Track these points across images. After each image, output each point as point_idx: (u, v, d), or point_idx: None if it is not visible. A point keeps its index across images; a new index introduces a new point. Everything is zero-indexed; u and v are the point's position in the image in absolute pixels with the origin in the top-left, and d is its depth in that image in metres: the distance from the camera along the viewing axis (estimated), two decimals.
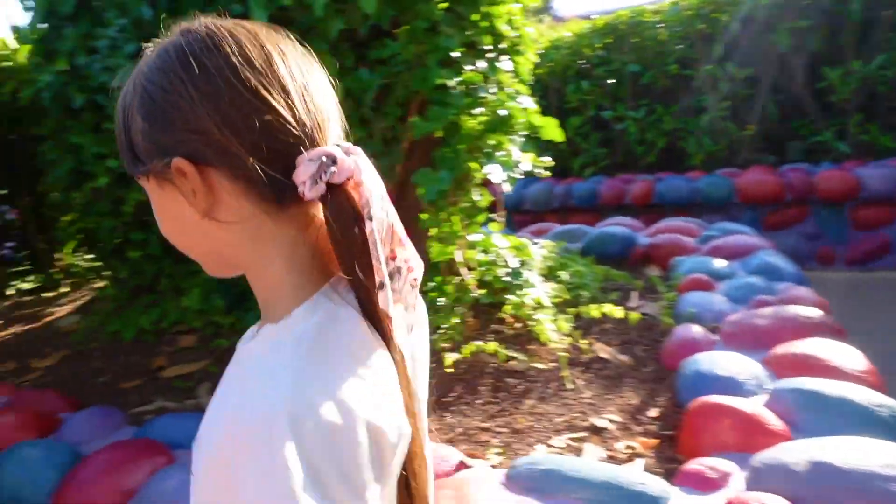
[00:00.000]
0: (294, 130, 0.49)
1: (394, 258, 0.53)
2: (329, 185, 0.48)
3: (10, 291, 4.43)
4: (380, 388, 0.49)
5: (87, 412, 2.26)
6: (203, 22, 0.54)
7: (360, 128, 2.33)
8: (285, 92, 0.50)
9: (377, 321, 0.50)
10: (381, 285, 0.49)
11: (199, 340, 2.77)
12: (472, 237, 2.53)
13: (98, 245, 3.33)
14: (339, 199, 0.49)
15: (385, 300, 0.49)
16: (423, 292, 2.61)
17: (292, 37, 0.56)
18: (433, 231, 2.40)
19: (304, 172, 0.48)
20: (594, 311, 2.63)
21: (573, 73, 6.78)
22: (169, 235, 0.55)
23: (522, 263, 2.71)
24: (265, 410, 0.42)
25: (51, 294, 4.40)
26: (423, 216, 2.38)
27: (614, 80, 6.53)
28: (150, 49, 0.55)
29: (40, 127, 3.71)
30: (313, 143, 0.50)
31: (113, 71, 2.73)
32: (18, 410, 2.25)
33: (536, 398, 2.21)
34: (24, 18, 3.03)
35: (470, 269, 2.56)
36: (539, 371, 2.33)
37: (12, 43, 3.86)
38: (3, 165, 4.56)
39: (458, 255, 2.46)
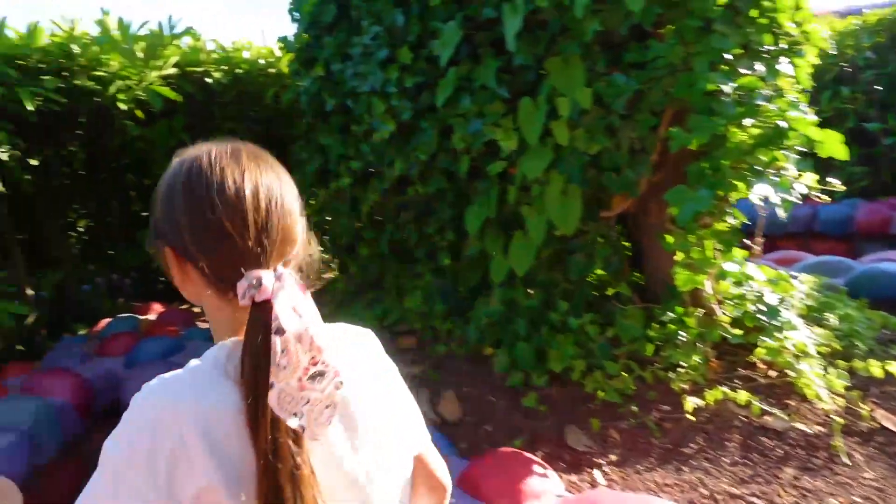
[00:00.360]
0: (244, 255, 0.67)
1: (315, 363, 0.64)
2: (253, 301, 0.65)
3: None
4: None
5: None
6: (208, 150, 0.71)
7: (605, 137, 2.15)
8: (244, 224, 0.67)
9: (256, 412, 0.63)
10: (272, 385, 0.62)
11: (418, 343, 2.79)
12: (726, 266, 2.20)
13: (333, 240, 3.57)
14: (257, 314, 0.65)
15: (273, 398, 0.61)
16: (661, 323, 2.36)
17: (272, 159, 0.74)
18: (680, 256, 2.12)
19: (240, 286, 0.65)
20: (875, 368, 2.14)
21: (831, 78, 5.87)
22: (173, 281, 0.74)
23: (781, 300, 2.31)
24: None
25: None
26: (669, 238, 2.12)
27: (883, 87, 5.52)
28: (179, 159, 0.73)
29: (293, 128, 4.09)
30: (257, 264, 0.67)
31: (364, 77, 2.86)
32: None
33: (800, 468, 1.84)
34: (289, 30, 3.30)
35: (720, 302, 2.24)
36: (802, 434, 1.95)
37: (277, 52, 4.31)
38: None
39: (708, 286, 2.16)
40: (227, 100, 4.16)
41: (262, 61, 4.24)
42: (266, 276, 0.65)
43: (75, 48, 3.30)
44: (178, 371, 0.66)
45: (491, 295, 2.59)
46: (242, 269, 0.65)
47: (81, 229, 4.47)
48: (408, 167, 2.76)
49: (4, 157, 3.13)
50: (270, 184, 0.70)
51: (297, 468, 0.62)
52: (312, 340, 0.63)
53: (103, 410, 2.76)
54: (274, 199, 0.69)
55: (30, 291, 3.30)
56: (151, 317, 3.70)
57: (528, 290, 2.44)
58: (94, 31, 3.44)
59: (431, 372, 2.52)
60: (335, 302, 3.46)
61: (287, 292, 0.65)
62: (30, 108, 2.92)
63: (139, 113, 3.56)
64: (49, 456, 2.41)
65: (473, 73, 2.33)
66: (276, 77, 4.26)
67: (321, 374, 0.63)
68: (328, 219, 3.60)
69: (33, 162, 3.47)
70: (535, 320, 2.32)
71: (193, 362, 0.67)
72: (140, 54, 3.41)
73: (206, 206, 0.66)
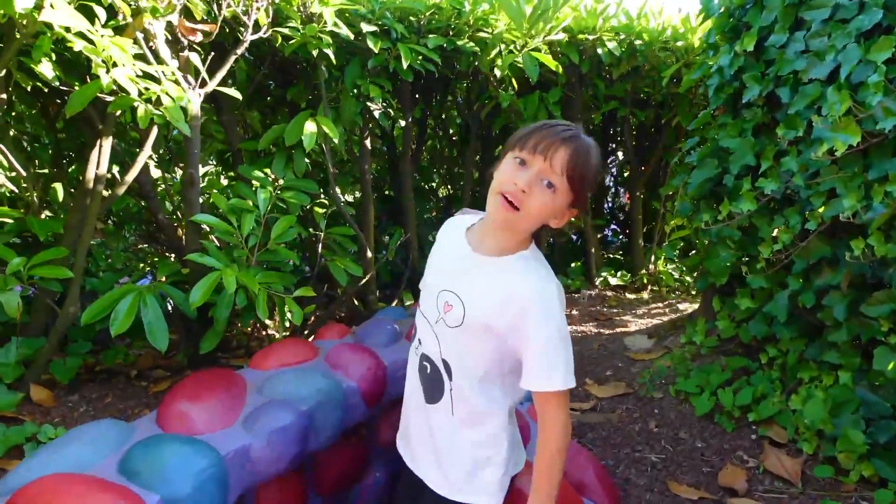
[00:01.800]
0: None
1: None
2: None
3: (598, 279, 4.32)
4: None
5: None
6: None
7: None
8: None
9: None
10: None
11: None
12: None
13: (705, 276, 2.64)
14: None
15: None
16: None
17: None
18: None
19: None
20: None
21: None
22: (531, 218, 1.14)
23: None
24: (555, 280, 1.16)
25: (631, 296, 4.09)
26: None
27: None
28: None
29: (688, 119, 3.24)
30: None
31: (820, 57, 1.85)
32: None
33: None
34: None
35: None
36: None
37: (692, 22, 3.45)
38: (644, 148, 4.40)
39: None
40: (615, 76, 3.50)
41: (668, 32, 3.43)
42: None
43: (467, 5, 3.02)
44: (539, 264, 1.19)
45: None
46: None
47: (441, 195, 4.44)
48: (858, 204, 1.70)
49: (377, 113, 3.07)
50: None
51: None
52: None
53: (390, 402, 2.47)
54: None
55: (369, 254, 3.23)
56: None
57: None
58: None
59: None
60: (688, 356, 2.58)
61: None
62: (405, 64, 2.73)
63: (514, 82, 3.16)
64: (322, 442, 2.17)
65: None
66: (683, 53, 3.41)
67: None
68: (697, 243, 2.71)
69: (402, 123, 3.39)
70: None
71: (535, 254, 1.21)
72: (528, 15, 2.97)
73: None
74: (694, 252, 3.09)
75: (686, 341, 2.72)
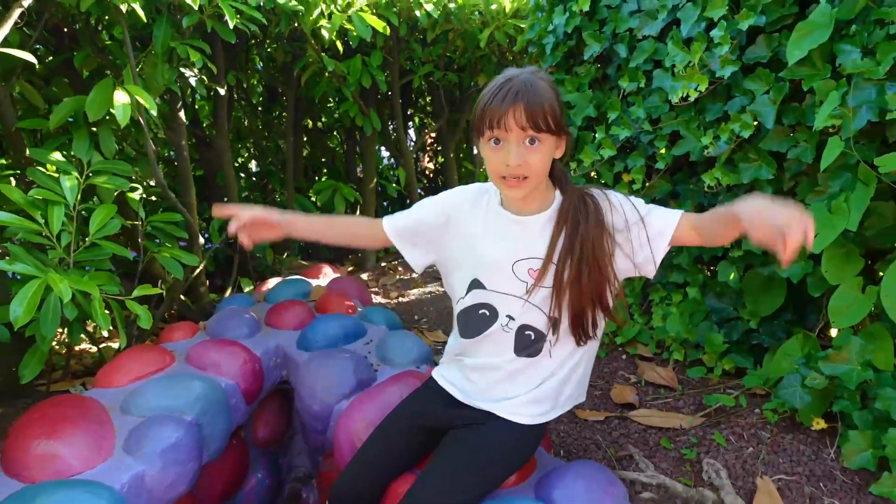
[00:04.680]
0: None
1: None
2: None
3: None
4: None
5: None
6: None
7: None
8: None
9: None
10: None
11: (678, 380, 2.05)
12: None
13: None
14: None
15: None
16: None
17: None
18: None
19: None
20: None
21: None
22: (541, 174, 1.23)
23: None
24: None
25: None
26: None
27: None
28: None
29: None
30: None
31: (653, 16, 2.09)
32: None
33: None
34: None
35: None
36: None
37: None
38: None
39: None
40: (429, 39, 3.54)
41: None
42: None
43: None
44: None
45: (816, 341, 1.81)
46: None
47: (253, 170, 4.11)
48: (704, 146, 1.99)
49: (192, 81, 2.70)
50: None
51: None
52: None
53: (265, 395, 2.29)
54: None
55: (201, 240, 2.88)
56: (321, 282, 3.22)
57: None
58: None
59: (718, 436, 1.78)
60: None
61: None
62: (231, 25, 2.43)
63: (339, 45, 3.03)
64: (212, 454, 1.93)
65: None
66: (494, 16, 3.57)
67: None
68: None
69: (222, 91, 3.03)
70: None
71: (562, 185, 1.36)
72: None
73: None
74: None
75: None
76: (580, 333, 1.31)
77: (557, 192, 1.32)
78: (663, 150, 2.17)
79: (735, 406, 1.89)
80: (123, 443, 1.68)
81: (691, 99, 1.92)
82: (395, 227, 1.46)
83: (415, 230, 1.44)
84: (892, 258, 1.65)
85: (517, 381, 1.36)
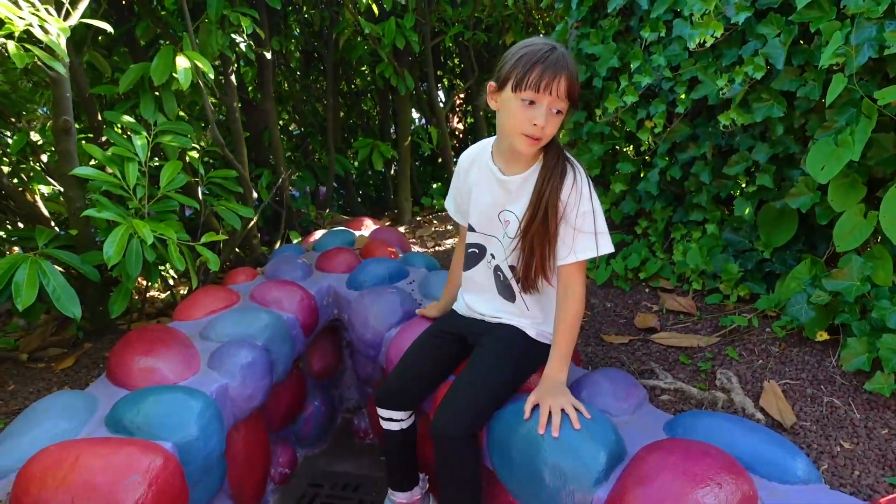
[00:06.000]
0: None
1: None
2: None
3: None
4: None
5: None
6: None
7: None
8: None
9: None
10: None
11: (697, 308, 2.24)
12: None
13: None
14: None
15: None
16: None
17: None
18: None
19: None
20: None
21: None
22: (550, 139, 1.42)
23: None
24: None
25: None
26: None
27: None
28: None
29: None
30: None
31: None
32: None
33: None
34: None
35: None
36: None
37: None
38: None
39: None
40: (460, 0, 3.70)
41: None
42: None
43: None
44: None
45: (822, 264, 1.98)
46: None
47: (294, 132, 4.34)
48: (720, 89, 2.13)
49: (243, 46, 2.91)
50: None
51: None
52: None
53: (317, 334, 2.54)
54: None
55: (255, 195, 3.13)
56: (364, 233, 3.46)
57: None
58: None
59: (731, 351, 1.98)
60: None
61: None
62: None
63: (375, 7, 3.20)
64: (280, 375, 2.20)
65: None
66: None
67: None
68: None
69: (268, 55, 3.25)
70: None
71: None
72: None
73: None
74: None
75: None
76: (526, 284, 1.54)
77: (542, 156, 1.49)
78: (683, 96, 2.33)
79: (748, 326, 2.08)
80: (208, 361, 1.95)
81: (708, 45, 2.07)
82: (455, 212, 1.82)
83: (459, 203, 1.77)
84: (891, 184, 1.80)
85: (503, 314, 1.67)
